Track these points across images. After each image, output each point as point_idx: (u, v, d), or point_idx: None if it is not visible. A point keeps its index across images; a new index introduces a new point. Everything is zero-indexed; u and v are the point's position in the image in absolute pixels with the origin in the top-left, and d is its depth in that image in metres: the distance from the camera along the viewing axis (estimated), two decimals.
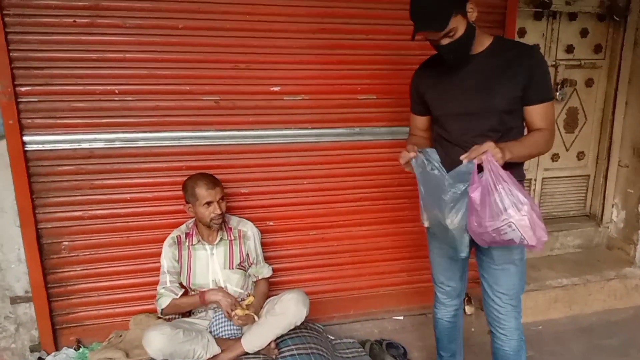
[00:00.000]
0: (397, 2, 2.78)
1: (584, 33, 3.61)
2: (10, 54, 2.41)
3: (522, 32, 3.47)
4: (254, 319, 2.50)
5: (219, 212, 2.47)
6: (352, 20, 2.80)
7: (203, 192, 2.46)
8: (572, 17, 3.53)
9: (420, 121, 2.20)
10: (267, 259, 2.84)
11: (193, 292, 2.61)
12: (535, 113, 1.88)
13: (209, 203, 2.47)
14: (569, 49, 3.60)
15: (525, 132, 1.97)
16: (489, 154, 1.67)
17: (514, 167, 1.89)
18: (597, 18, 3.60)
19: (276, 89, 2.79)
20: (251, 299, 2.57)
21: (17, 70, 2.44)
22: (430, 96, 2.04)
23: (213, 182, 2.50)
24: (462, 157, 1.74)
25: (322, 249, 3.09)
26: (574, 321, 3.33)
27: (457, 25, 1.77)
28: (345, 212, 3.06)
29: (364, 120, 2.95)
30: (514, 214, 1.66)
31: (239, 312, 2.46)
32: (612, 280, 3.47)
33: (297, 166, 2.92)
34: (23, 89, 2.47)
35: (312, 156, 2.93)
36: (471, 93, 1.89)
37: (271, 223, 2.96)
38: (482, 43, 1.90)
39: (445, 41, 1.81)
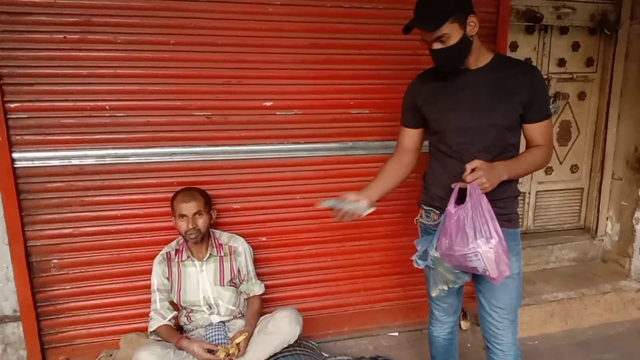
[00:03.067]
0: (390, 18, 2.80)
1: (575, 47, 3.63)
2: (0, 70, 2.39)
3: (514, 46, 3.48)
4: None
5: (190, 226, 2.44)
6: (345, 35, 2.80)
7: (179, 204, 2.46)
8: (564, 31, 3.55)
9: (412, 135, 2.15)
10: (260, 275, 2.81)
11: (181, 318, 2.60)
12: (536, 130, 1.91)
13: (182, 216, 2.45)
14: (561, 62, 3.62)
15: (522, 148, 1.99)
16: (475, 184, 1.72)
17: (509, 184, 1.92)
18: (588, 32, 3.62)
19: (268, 104, 2.78)
20: (243, 337, 2.44)
21: (7, 87, 2.42)
22: (428, 109, 2.02)
23: (190, 195, 2.48)
24: (454, 186, 1.81)
25: (315, 265, 3.06)
26: (570, 336, 3.30)
27: (451, 33, 1.77)
28: (338, 227, 3.02)
29: (357, 134, 2.94)
30: (483, 245, 1.73)
31: (221, 355, 2.37)
32: (608, 294, 3.45)
33: (290, 181, 2.90)
34: (12, 105, 2.45)
35: (305, 171, 2.91)
36: (473, 107, 1.89)
37: (264, 239, 2.93)
38: (484, 58, 1.91)
39: (436, 45, 1.82)
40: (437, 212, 2.05)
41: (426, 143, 2.16)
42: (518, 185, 2.06)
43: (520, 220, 3.76)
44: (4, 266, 2.60)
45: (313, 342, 2.82)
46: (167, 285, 2.55)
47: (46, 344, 2.73)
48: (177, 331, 2.56)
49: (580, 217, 4.00)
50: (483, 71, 1.90)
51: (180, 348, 2.42)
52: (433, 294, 2.10)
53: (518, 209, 2.07)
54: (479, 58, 1.90)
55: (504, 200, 1.95)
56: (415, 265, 2.06)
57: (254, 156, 2.81)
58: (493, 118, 1.86)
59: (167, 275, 2.55)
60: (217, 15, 2.61)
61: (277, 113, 2.80)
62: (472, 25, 1.81)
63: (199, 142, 2.73)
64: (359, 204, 1.93)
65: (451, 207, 1.80)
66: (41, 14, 2.39)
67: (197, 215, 2.47)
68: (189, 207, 2.45)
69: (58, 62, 2.46)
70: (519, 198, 2.10)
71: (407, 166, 2.16)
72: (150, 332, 2.53)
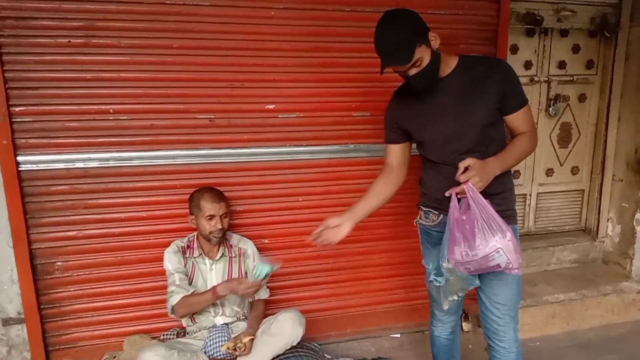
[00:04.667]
0: None
1: (575, 49, 3.65)
2: (5, 74, 2.41)
3: (515, 49, 3.50)
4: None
5: (219, 227, 2.49)
6: (346, 38, 2.82)
7: (207, 204, 2.48)
8: (564, 33, 3.57)
9: (397, 151, 2.20)
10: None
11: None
12: (517, 120, 1.95)
13: (211, 217, 2.48)
14: (562, 64, 3.64)
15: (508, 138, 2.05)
16: (469, 183, 1.75)
17: (503, 177, 1.95)
18: (588, 34, 3.64)
19: (271, 106, 2.80)
20: (248, 338, 2.47)
21: (12, 91, 2.44)
22: (410, 126, 2.07)
23: (219, 196, 2.53)
24: (447, 193, 1.85)
25: (318, 267, 3.08)
26: (571, 337, 3.31)
27: (422, 55, 1.82)
28: None
29: (359, 137, 2.95)
30: (501, 240, 1.75)
31: (230, 345, 2.43)
32: (609, 295, 3.46)
33: (292, 183, 2.92)
34: (17, 109, 2.47)
35: (307, 173, 2.93)
36: (450, 114, 1.93)
37: (267, 241, 2.94)
38: (449, 64, 1.94)
39: (413, 71, 1.85)
40: (436, 212, 2.10)
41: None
42: (515, 184, 2.11)
43: (520, 221, 3.78)
44: (8, 269, 2.62)
45: (315, 344, 2.84)
46: (184, 270, 2.56)
47: (50, 346, 2.74)
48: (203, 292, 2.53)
49: (581, 218, 4.01)
50: (452, 77, 1.94)
51: (218, 296, 2.44)
52: (445, 307, 2.09)
53: (518, 210, 2.10)
54: (447, 65, 1.94)
55: (502, 195, 1.98)
56: (436, 284, 2.05)
57: (256, 159, 2.83)
58: (471, 119, 1.90)
59: (183, 264, 2.57)
60: (219, 19, 2.63)
61: (280, 116, 2.82)
62: (434, 39, 1.86)
63: (202, 145, 2.75)
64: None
65: (457, 213, 1.82)
66: (46, 18, 2.41)
67: (224, 216, 2.53)
68: (218, 208, 2.50)
69: (62, 66, 2.48)
70: (519, 199, 2.12)
71: (394, 184, 2.22)
72: (171, 309, 2.48)
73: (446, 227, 1.89)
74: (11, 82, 2.43)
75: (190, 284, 2.55)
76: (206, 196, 2.51)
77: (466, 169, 1.78)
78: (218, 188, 2.63)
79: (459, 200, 1.82)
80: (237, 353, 2.43)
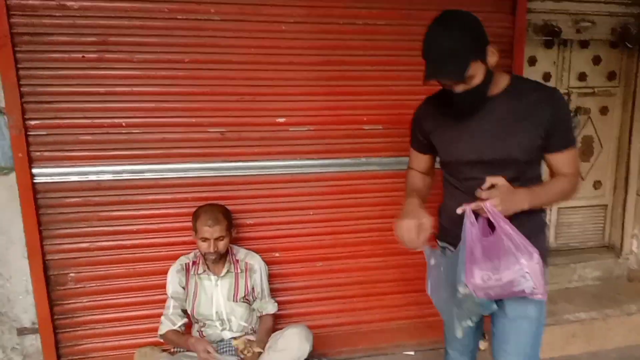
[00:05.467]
0: (403, 34, 2.82)
1: (596, 60, 3.56)
2: (21, 89, 2.46)
3: (533, 61, 3.44)
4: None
5: (211, 250, 2.46)
6: (358, 52, 2.82)
7: (201, 227, 2.46)
8: (584, 44, 3.50)
9: (422, 160, 2.01)
10: (273, 291, 2.81)
11: (194, 332, 2.61)
12: (560, 160, 1.73)
13: (204, 239, 2.46)
14: (582, 76, 3.56)
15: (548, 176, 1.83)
16: (488, 203, 1.57)
17: (534, 215, 1.75)
18: (609, 45, 3.55)
19: (282, 120, 2.80)
20: (258, 349, 2.46)
21: (27, 105, 2.49)
22: (438, 138, 1.85)
23: (214, 219, 2.47)
24: (459, 210, 1.65)
25: (329, 281, 3.05)
26: (593, 357, 3.20)
27: (476, 73, 1.59)
28: (353, 244, 3.02)
29: (371, 150, 2.93)
30: (528, 262, 1.58)
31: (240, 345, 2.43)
32: (634, 315, 3.33)
33: (303, 197, 2.91)
34: (32, 122, 2.52)
35: (319, 187, 2.92)
36: (487, 140, 1.70)
37: (277, 254, 2.93)
38: (498, 84, 1.71)
39: (460, 88, 1.62)
40: (452, 249, 1.85)
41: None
42: (545, 217, 1.87)
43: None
44: (23, 279, 2.66)
45: None
46: (182, 294, 2.57)
47: (63, 357, 2.77)
48: (185, 335, 2.56)
49: (604, 234, 3.90)
50: (499, 98, 1.70)
51: (188, 348, 2.44)
52: (459, 335, 1.85)
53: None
54: (496, 84, 1.70)
55: (530, 237, 1.62)
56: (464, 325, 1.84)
57: (267, 172, 2.83)
58: (508, 152, 1.68)
59: (183, 284, 2.57)
60: (230, 33, 2.65)
61: (290, 129, 2.82)
62: (492, 55, 1.62)
63: (213, 158, 2.76)
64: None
65: (476, 231, 1.64)
66: (60, 34, 2.47)
67: (219, 239, 2.49)
68: (211, 232, 2.45)
69: (76, 81, 2.53)
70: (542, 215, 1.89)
71: (426, 179, 2.03)
72: (159, 335, 2.54)
73: (459, 247, 1.68)
74: (27, 96, 2.49)
75: (194, 301, 2.56)
76: (202, 217, 2.47)
77: (493, 186, 1.62)
78: (226, 202, 2.65)
79: (476, 217, 1.65)
80: (242, 356, 2.43)
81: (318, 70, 2.80)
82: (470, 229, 1.64)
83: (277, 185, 2.87)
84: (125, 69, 2.58)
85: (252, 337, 2.57)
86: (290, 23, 2.71)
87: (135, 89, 2.61)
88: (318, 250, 2.99)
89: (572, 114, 1.49)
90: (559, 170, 1.75)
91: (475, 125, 1.72)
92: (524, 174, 1.72)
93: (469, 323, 1.84)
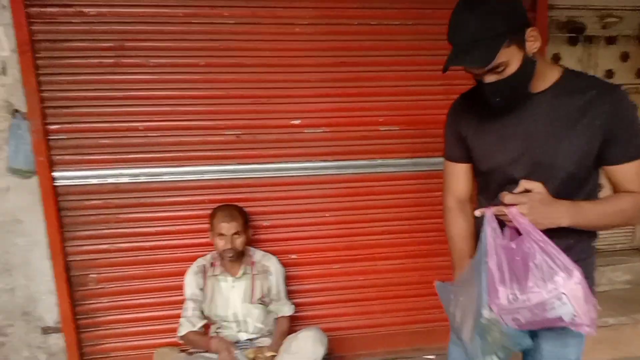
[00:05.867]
0: (418, 34, 2.79)
1: (624, 57, 3.45)
2: (42, 94, 2.53)
3: (557, 58, 3.35)
4: None
5: (229, 246, 2.47)
6: (372, 52, 2.79)
7: (218, 223, 2.49)
8: (611, 41, 3.38)
9: (461, 172, 1.67)
10: (290, 293, 2.81)
11: (211, 333, 2.62)
12: (622, 174, 1.41)
13: (221, 235, 2.48)
14: (609, 74, 3.45)
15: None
16: (514, 210, 1.32)
17: (579, 238, 1.48)
18: (638, 41, 3.43)
19: (297, 122, 2.80)
20: (271, 354, 2.47)
21: (48, 110, 2.56)
22: (473, 143, 1.57)
23: (230, 215, 2.51)
24: (477, 212, 1.42)
25: (346, 284, 3.03)
26: None
27: (509, 59, 1.31)
28: (369, 246, 3.00)
29: (387, 151, 2.90)
30: (565, 281, 1.26)
31: (250, 355, 2.44)
32: None
33: (319, 199, 2.90)
34: (53, 127, 2.59)
35: (334, 188, 2.91)
36: (529, 147, 1.44)
37: (293, 256, 2.93)
38: (546, 78, 1.42)
39: (490, 78, 1.35)
40: None
41: None
42: (595, 244, 1.57)
43: None
44: (46, 280, 2.72)
45: None
46: (200, 295, 2.59)
47: (86, 355, 2.83)
48: (206, 336, 2.59)
49: (634, 236, 3.77)
50: (547, 96, 1.42)
51: (210, 349, 2.46)
52: None
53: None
54: (543, 78, 1.42)
55: (574, 261, 1.32)
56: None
57: (283, 174, 2.84)
58: (554, 162, 1.41)
59: (201, 286, 2.59)
60: (245, 36, 2.67)
61: (305, 131, 2.82)
62: (532, 40, 1.34)
63: (229, 160, 2.78)
64: None
65: (501, 239, 1.38)
66: (79, 40, 2.53)
67: (236, 236, 2.50)
68: (228, 227, 2.48)
69: (95, 86, 2.59)
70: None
71: (469, 214, 1.66)
72: (179, 336, 2.56)
73: (477, 260, 1.42)
74: (47, 101, 2.56)
75: (210, 302, 2.58)
76: (219, 214, 2.51)
77: (527, 192, 1.36)
78: (242, 204, 2.66)
79: (500, 224, 1.39)
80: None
81: (333, 72, 2.79)
82: (492, 236, 1.37)
83: (293, 187, 2.87)
84: (142, 74, 2.62)
85: (263, 343, 2.59)
86: (303, 25, 2.71)
87: (151, 93, 2.65)
88: (334, 252, 2.98)
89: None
90: (622, 186, 1.43)
91: (516, 129, 1.45)
92: (576, 190, 1.44)
93: (494, 359, 1.45)
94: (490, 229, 1.38)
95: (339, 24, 2.74)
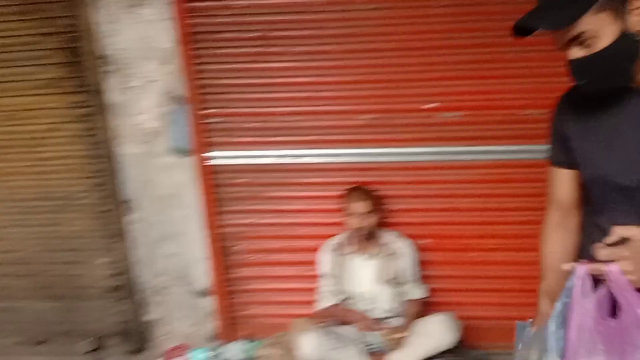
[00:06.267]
0: None
1: None
2: (199, 82, 2.83)
3: None
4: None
5: (360, 225, 2.56)
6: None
7: (350, 203, 2.60)
8: None
9: (566, 179, 1.37)
10: (422, 278, 2.82)
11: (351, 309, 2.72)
12: None
13: (353, 214, 2.56)
14: None
15: None
16: (615, 269, 0.98)
17: None
18: None
19: (431, 106, 2.76)
20: (400, 335, 2.54)
21: (204, 96, 2.85)
22: (577, 145, 1.26)
23: (362, 195, 2.60)
24: (564, 266, 1.10)
25: (483, 273, 2.91)
26: None
27: (599, 29, 1.01)
28: (509, 236, 2.84)
29: (529, 137, 2.70)
30: None
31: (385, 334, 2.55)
32: None
33: (454, 184, 2.83)
34: (209, 111, 2.88)
35: (471, 174, 2.81)
36: (636, 153, 1.12)
37: (425, 241, 2.90)
38: None
39: (575, 53, 1.07)
40: None
41: None
42: None
43: None
44: (200, 248, 3.05)
45: (480, 353, 2.76)
46: (337, 272, 2.72)
47: (233, 319, 3.12)
48: (347, 309, 2.70)
49: None
50: None
51: (351, 320, 2.62)
52: None
53: None
54: None
55: None
56: None
57: (417, 158, 2.82)
58: None
59: (336, 263, 2.72)
60: (380, 21, 2.70)
61: (442, 115, 2.77)
62: (637, 12, 1.01)
63: (365, 144, 2.85)
64: None
65: (594, 307, 1.04)
66: (228, 31, 2.78)
67: (367, 215, 2.60)
68: (360, 207, 2.59)
69: (242, 73, 2.82)
70: None
71: (572, 231, 1.39)
72: (321, 309, 2.72)
73: (553, 322, 1.08)
74: (204, 88, 2.85)
75: (342, 280, 2.68)
76: (351, 194, 2.61)
77: (624, 240, 1.01)
78: (374, 187, 2.72)
79: (595, 282, 1.05)
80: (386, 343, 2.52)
81: (471, 54, 2.69)
82: (580, 301, 1.04)
83: (427, 172, 2.84)
84: (284, 61, 2.79)
85: (393, 323, 2.64)
86: (441, 7, 2.65)
87: (292, 79, 2.81)
88: (469, 240, 2.88)
89: None
90: None
91: (621, 132, 1.14)
92: None
93: None
94: (579, 289, 1.04)
95: (479, 3, 2.63)
